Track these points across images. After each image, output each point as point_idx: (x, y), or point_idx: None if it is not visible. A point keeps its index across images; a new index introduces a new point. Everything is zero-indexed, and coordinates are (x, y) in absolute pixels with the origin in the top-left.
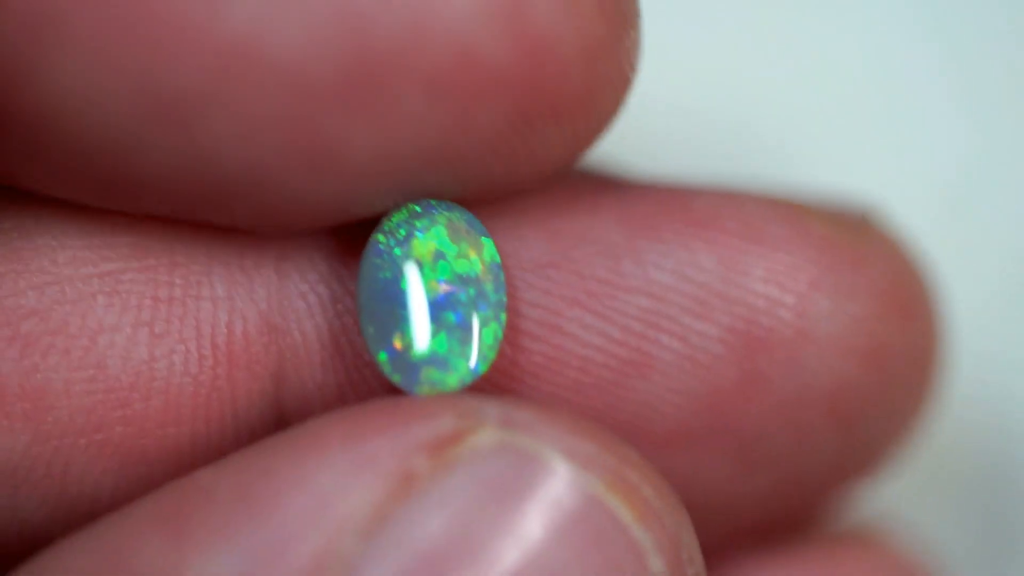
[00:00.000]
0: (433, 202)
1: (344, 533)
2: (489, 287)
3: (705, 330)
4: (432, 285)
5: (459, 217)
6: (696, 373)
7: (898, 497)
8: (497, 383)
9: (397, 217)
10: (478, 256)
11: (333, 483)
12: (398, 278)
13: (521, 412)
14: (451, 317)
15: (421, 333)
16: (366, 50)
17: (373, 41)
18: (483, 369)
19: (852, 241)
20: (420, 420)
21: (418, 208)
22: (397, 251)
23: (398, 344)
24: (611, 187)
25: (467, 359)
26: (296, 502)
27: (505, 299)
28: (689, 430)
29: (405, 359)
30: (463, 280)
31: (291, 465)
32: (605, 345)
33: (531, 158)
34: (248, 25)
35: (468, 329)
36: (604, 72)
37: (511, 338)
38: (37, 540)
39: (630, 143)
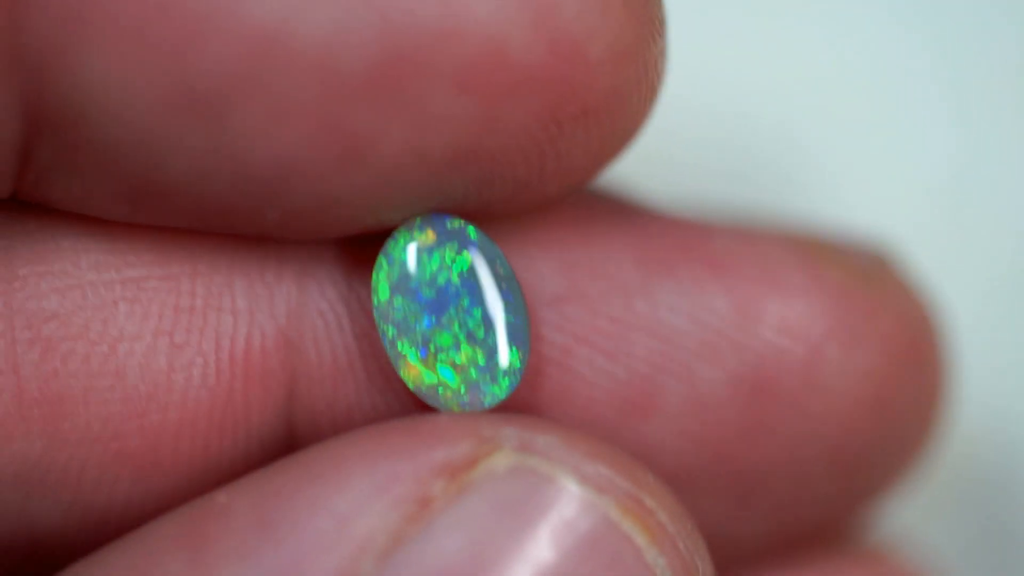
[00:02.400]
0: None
1: (361, 556)
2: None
3: (713, 375)
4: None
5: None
6: (700, 417)
7: (901, 514)
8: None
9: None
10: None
11: (351, 506)
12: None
13: (539, 436)
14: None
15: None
16: (396, 43)
17: (403, 34)
18: None
19: (866, 289)
20: (438, 443)
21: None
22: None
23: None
24: (628, 218)
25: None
26: (314, 524)
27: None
28: (689, 470)
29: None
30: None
31: (309, 487)
32: (611, 386)
33: (558, 163)
34: (277, 14)
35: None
36: (632, 75)
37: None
38: (47, 543)
39: (645, 161)
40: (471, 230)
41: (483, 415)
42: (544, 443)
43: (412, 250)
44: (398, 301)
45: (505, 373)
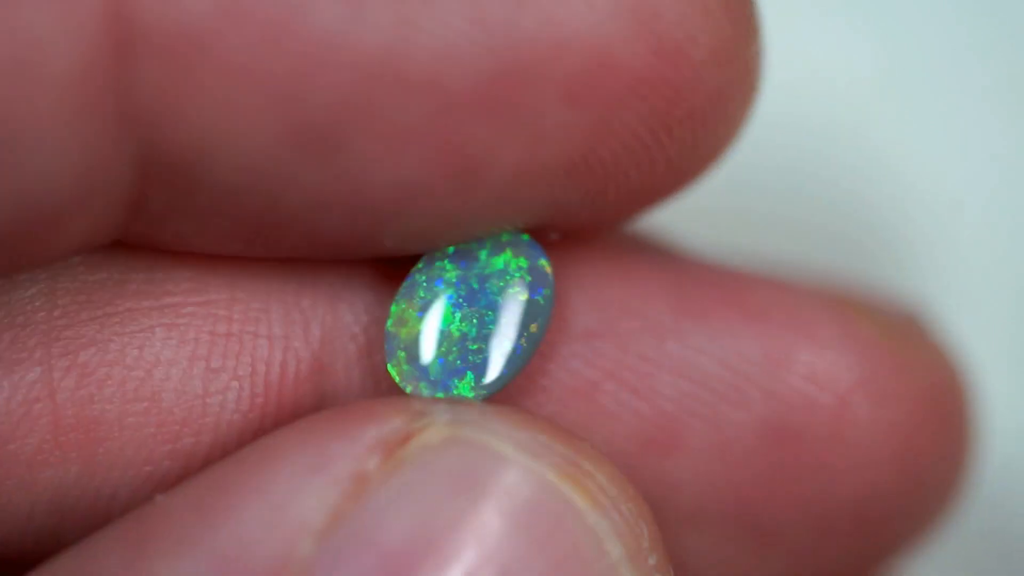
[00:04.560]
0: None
1: (300, 536)
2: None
3: (738, 419)
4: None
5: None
6: (723, 459)
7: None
8: None
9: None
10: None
11: (287, 489)
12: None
13: (470, 409)
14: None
15: None
16: (504, 58)
17: (510, 49)
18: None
19: (897, 345)
20: (371, 422)
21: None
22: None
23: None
24: (666, 261)
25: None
26: (252, 510)
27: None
28: (709, 510)
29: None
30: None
31: (245, 475)
32: (634, 422)
33: (668, 167)
34: (385, 40)
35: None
36: (735, 75)
37: (545, 397)
38: None
39: (686, 209)
40: (548, 288)
41: (413, 396)
42: (477, 415)
43: (492, 248)
44: (450, 265)
45: (448, 390)
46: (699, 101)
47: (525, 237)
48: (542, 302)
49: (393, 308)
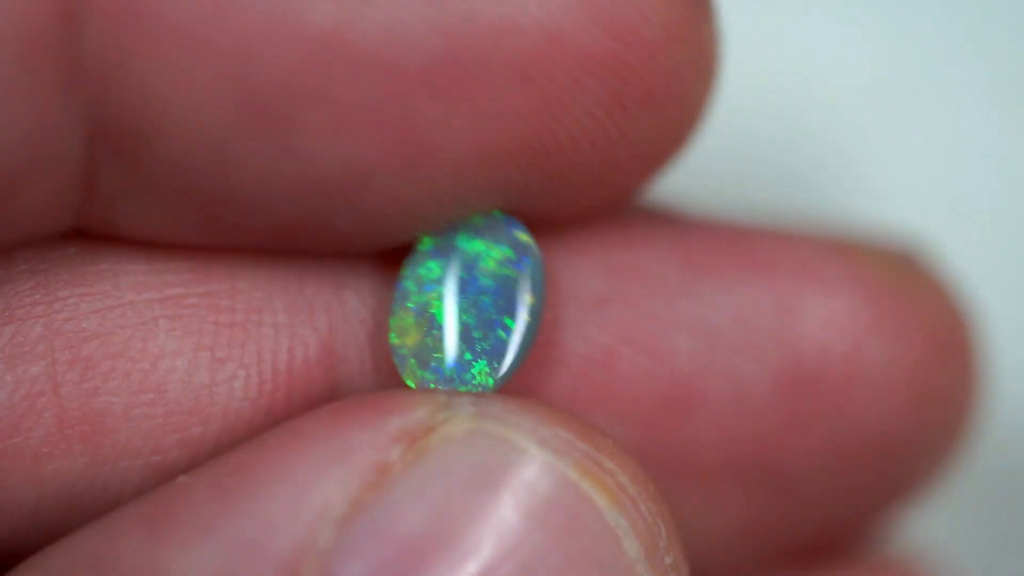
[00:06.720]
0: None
1: (321, 524)
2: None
3: (755, 372)
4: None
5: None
6: (743, 413)
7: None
8: None
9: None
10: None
11: (309, 475)
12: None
13: (494, 403)
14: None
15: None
16: (454, 38)
17: (460, 29)
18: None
19: (903, 283)
20: (395, 412)
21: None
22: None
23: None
24: (668, 222)
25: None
26: (273, 496)
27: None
28: (732, 466)
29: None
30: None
31: (268, 461)
32: (653, 384)
33: (629, 152)
34: (333, 16)
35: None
36: (689, 56)
37: (562, 370)
38: None
39: (680, 168)
40: (533, 257)
41: (438, 389)
42: (500, 409)
43: (468, 233)
44: (432, 263)
45: (467, 382)
46: (654, 81)
47: (498, 214)
48: (531, 272)
49: (391, 320)
